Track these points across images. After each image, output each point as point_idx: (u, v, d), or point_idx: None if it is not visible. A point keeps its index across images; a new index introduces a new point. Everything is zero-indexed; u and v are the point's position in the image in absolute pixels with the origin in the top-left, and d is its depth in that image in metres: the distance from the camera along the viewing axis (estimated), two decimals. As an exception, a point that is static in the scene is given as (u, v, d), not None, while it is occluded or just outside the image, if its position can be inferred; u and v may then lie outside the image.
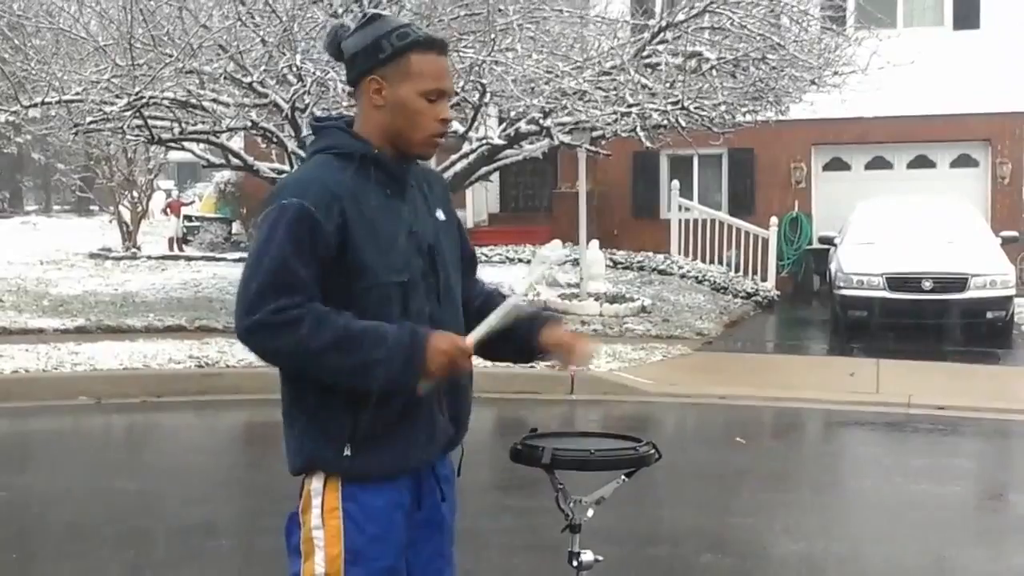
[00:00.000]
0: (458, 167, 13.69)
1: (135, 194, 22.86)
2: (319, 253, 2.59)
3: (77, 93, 11.60)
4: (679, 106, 12.55)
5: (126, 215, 23.09)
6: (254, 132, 13.33)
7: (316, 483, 2.68)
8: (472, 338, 2.69)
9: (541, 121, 12.48)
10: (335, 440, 2.64)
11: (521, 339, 2.82)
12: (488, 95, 11.73)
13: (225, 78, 11.45)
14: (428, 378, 2.59)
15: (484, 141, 13.31)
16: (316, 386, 2.63)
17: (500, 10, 11.11)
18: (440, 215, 2.85)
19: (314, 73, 10.86)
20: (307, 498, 2.69)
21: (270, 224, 2.62)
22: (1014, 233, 15.62)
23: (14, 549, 5.92)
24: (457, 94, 11.53)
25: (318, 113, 10.78)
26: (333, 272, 2.60)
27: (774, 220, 17.83)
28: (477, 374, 2.88)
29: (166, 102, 11.76)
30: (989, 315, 13.58)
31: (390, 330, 2.58)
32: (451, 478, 2.88)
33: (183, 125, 12.55)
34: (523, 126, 12.92)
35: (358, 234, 2.62)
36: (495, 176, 17.80)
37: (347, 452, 2.63)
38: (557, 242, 16.11)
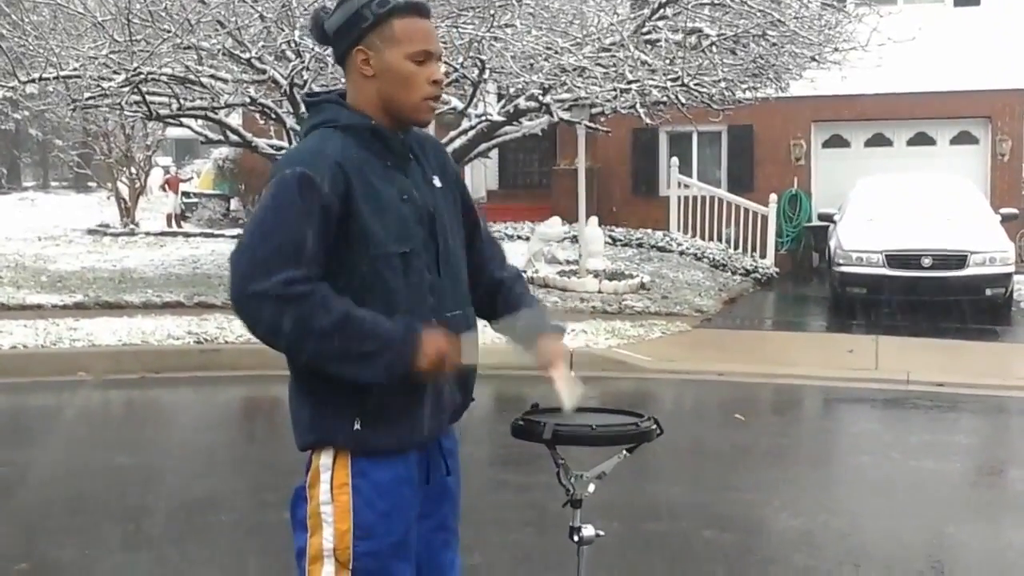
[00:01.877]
0: (457, 144, 13.65)
1: (133, 170, 22.83)
2: (324, 223, 2.56)
3: (75, 69, 11.56)
4: (679, 83, 12.50)
5: (124, 191, 23.07)
6: (252, 108, 13.30)
7: (325, 458, 2.66)
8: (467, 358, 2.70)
9: (540, 98, 12.44)
10: (345, 414, 2.62)
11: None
12: (487, 71, 11.69)
13: (223, 54, 11.41)
14: (417, 375, 2.60)
15: (483, 118, 13.28)
16: None
17: (499, -15, 11.06)
18: (437, 182, 2.82)
19: (312, 49, 10.81)
20: (315, 473, 2.67)
21: (274, 193, 2.60)
22: (1014, 210, 15.63)
23: (13, 524, 5.92)
24: (456, 70, 11.49)
25: (316, 89, 10.75)
26: (337, 242, 2.58)
27: (773, 197, 17.80)
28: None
29: (164, 78, 11.73)
30: (988, 292, 13.59)
31: (386, 322, 2.57)
32: (455, 451, 2.89)
33: (181, 101, 12.51)
34: (522, 103, 12.87)
35: (361, 204, 2.60)
36: (494, 153, 17.78)
37: (357, 426, 2.62)
38: (556, 219, 16.10)
